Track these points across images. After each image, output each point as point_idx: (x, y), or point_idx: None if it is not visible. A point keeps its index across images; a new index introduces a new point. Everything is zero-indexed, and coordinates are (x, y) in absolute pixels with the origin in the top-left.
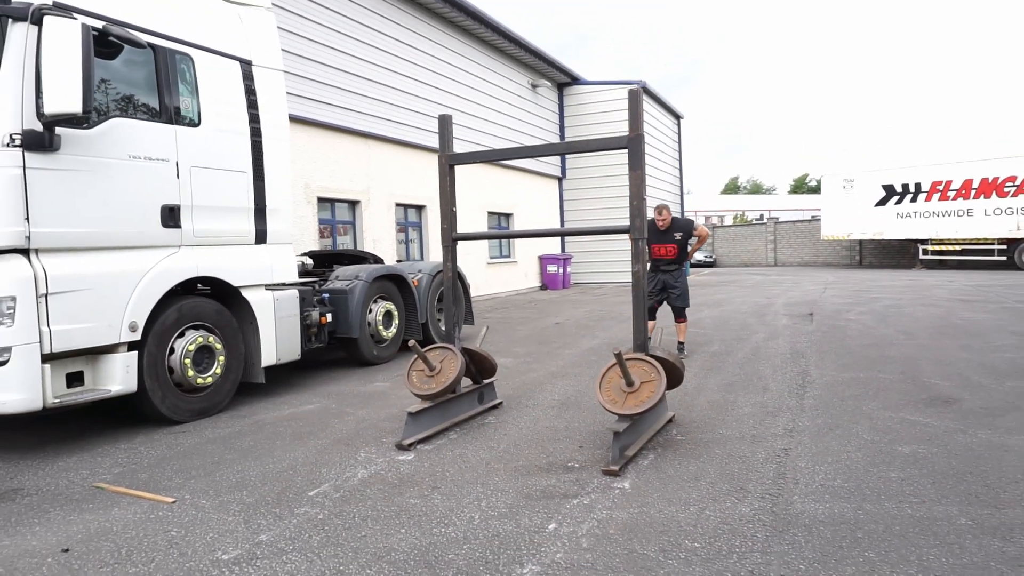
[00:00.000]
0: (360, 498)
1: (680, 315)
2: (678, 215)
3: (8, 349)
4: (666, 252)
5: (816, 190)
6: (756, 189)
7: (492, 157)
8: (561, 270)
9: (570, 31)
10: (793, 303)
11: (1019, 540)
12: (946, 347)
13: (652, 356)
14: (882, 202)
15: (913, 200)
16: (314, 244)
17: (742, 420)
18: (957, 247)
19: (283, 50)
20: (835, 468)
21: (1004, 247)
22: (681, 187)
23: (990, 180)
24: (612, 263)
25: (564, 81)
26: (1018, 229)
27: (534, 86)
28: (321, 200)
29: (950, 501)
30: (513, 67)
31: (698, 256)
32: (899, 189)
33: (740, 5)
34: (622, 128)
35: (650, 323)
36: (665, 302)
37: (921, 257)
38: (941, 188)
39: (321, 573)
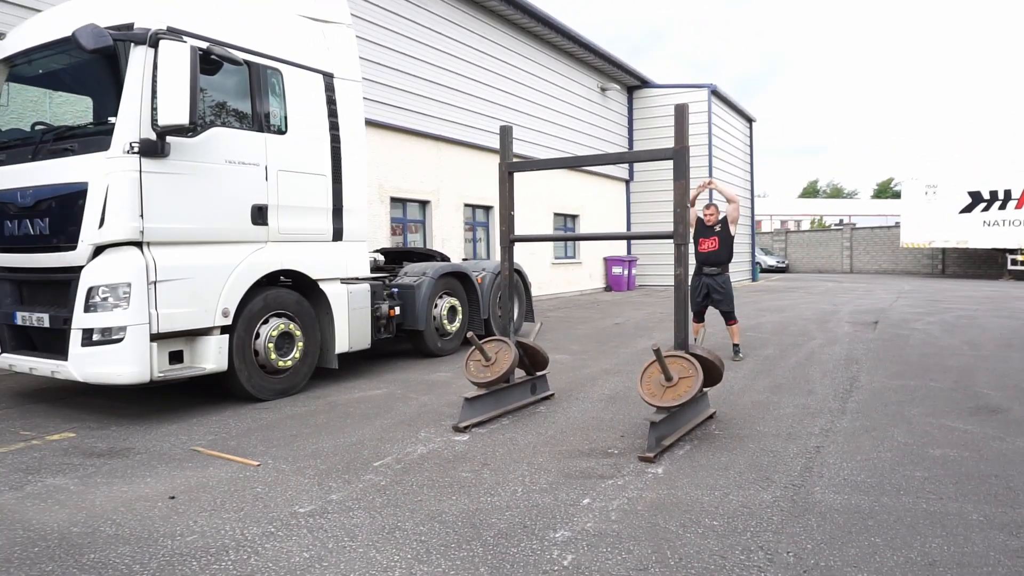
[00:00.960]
0: (418, 470)
1: (730, 318)
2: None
3: (124, 328)
4: (710, 244)
5: (900, 195)
6: (836, 193)
7: (548, 166)
8: (626, 272)
9: (643, 30)
10: (860, 311)
11: None
12: (1010, 359)
13: (691, 353)
14: (967, 209)
15: (1002, 207)
16: (386, 241)
17: (781, 419)
18: None
19: (360, 57)
20: (862, 465)
21: None
22: (752, 191)
23: None
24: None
25: (633, 84)
26: None
27: (603, 89)
28: (394, 200)
29: (967, 499)
30: (582, 70)
31: (769, 261)
32: (986, 196)
33: (822, 2)
34: (692, 131)
35: (698, 325)
36: (711, 307)
37: (1009, 268)
38: None
39: (382, 527)
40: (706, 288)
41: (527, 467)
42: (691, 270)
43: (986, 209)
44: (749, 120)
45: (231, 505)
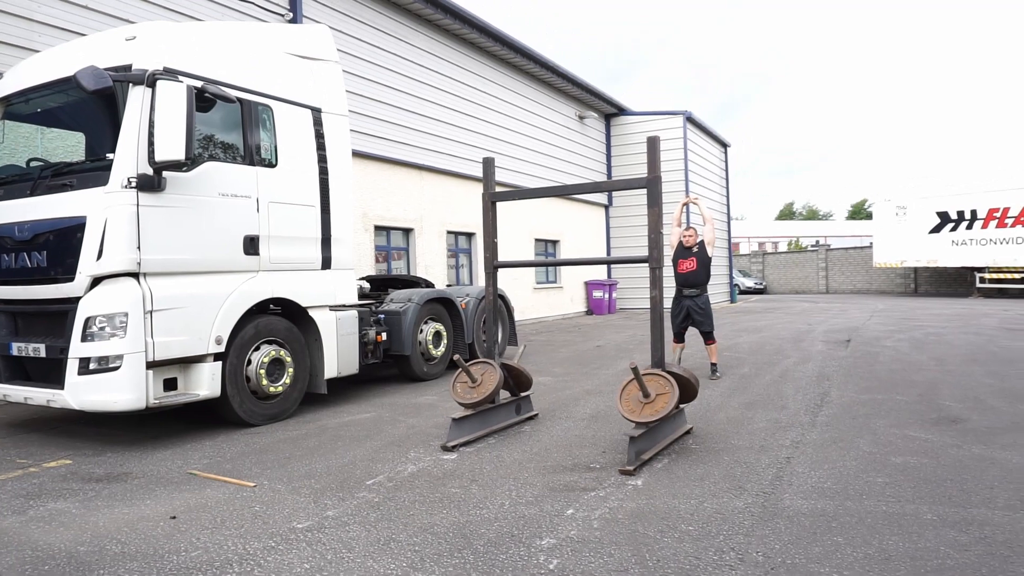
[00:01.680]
0: (409, 487)
1: (709, 338)
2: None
3: (121, 356)
4: (688, 265)
5: (872, 216)
6: (812, 215)
7: (528, 196)
8: (607, 296)
9: (619, 59)
10: (833, 330)
11: (974, 532)
12: (973, 373)
13: (667, 371)
14: (936, 229)
15: (969, 227)
16: (370, 269)
17: (754, 433)
18: (1017, 275)
19: (346, 91)
20: (829, 473)
21: None
22: (728, 214)
23: None
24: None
25: (611, 112)
26: None
27: (581, 117)
28: (377, 228)
29: (923, 501)
30: (560, 99)
31: (748, 283)
32: (954, 216)
33: (800, 25)
34: (668, 157)
35: (678, 345)
36: (691, 327)
37: (978, 286)
38: (998, 215)
39: (377, 539)
40: (686, 310)
41: (513, 482)
42: (672, 292)
43: (954, 229)
44: (724, 145)
45: (231, 523)
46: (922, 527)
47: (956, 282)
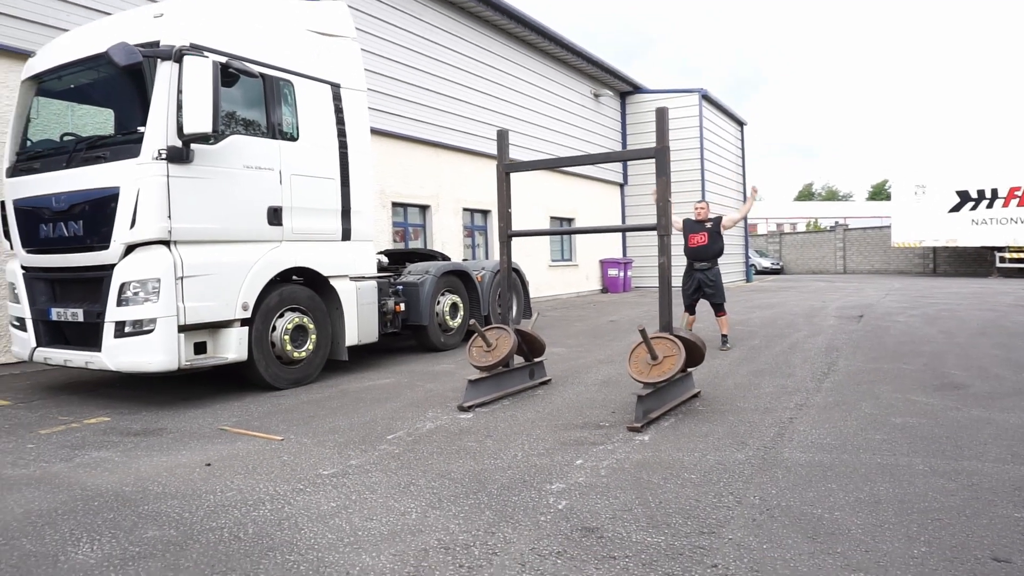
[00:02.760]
0: (428, 441)
1: (719, 310)
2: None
3: (154, 320)
4: (699, 240)
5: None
6: (831, 196)
7: (541, 166)
8: (622, 273)
9: (636, 34)
10: (847, 306)
11: (962, 480)
12: (980, 345)
13: (674, 335)
14: (956, 208)
15: (989, 206)
16: (388, 245)
17: (761, 397)
18: None
19: (364, 69)
20: (829, 431)
21: None
22: (744, 192)
23: None
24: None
25: (626, 90)
26: None
27: (596, 95)
28: (395, 205)
29: (917, 454)
30: (576, 77)
31: (764, 263)
32: (974, 195)
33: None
34: (684, 135)
35: (691, 317)
36: (703, 299)
37: (998, 265)
38: (1020, 193)
39: (398, 484)
40: (697, 282)
41: (526, 437)
42: (682, 263)
43: (974, 208)
44: (740, 123)
45: (262, 470)
46: (913, 476)
47: (976, 262)
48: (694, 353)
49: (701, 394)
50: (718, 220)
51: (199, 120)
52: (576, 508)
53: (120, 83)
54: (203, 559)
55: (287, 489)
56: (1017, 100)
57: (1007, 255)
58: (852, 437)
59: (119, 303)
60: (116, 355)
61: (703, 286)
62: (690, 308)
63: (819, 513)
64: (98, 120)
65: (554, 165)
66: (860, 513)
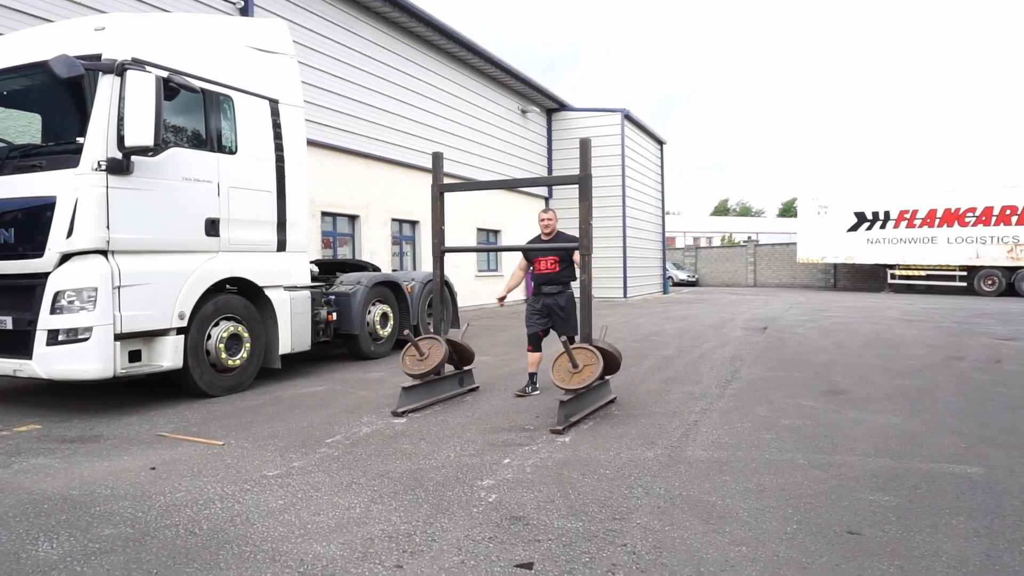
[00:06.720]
0: (365, 444)
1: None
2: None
3: (90, 328)
4: (547, 266)
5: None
6: (745, 212)
7: (474, 188)
8: None
9: (564, 46)
10: (754, 319)
11: (832, 471)
12: (864, 355)
13: (594, 346)
14: (854, 228)
15: (882, 227)
16: (317, 253)
17: (670, 402)
18: (922, 273)
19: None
20: (727, 432)
21: (964, 274)
22: (663, 209)
23: (952, 210)
24: (596, 279)
25: (552, 107)
26: (977, 257)
27: (523, 112)
28: (324, 214)
29: (799, 451)
30: (504, 93)
31: (681, 275)
32: (869, 216)
33: (738, 26)
34: (606, 152)
35: (535, 355)
36: (552, 329)
37: (889, 281)
38: (908, 216)
39: (340, 483)
40: (547, 308)
41: (458, 440)
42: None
43: (869, 228)
44: (660, 143)
45: (207, 472)
46: (793, 469)
47: (871, 278)
48: (611, 362)
49: (617, 399)
50: (568, 255)
51: (141, 133)
52: (505, 500)
53: (56, 93)
54: (163, 552)
55: (235, 489)
56: (911, 128)
57: (897, 272)
58: (747, 437)
59: (52, 311)
60: (48, 363)
61: (553, 313)
62: (535, 340)
63: (713, 501)
64: (21, 124)
65: (486, 187)
66: (747, 500)
